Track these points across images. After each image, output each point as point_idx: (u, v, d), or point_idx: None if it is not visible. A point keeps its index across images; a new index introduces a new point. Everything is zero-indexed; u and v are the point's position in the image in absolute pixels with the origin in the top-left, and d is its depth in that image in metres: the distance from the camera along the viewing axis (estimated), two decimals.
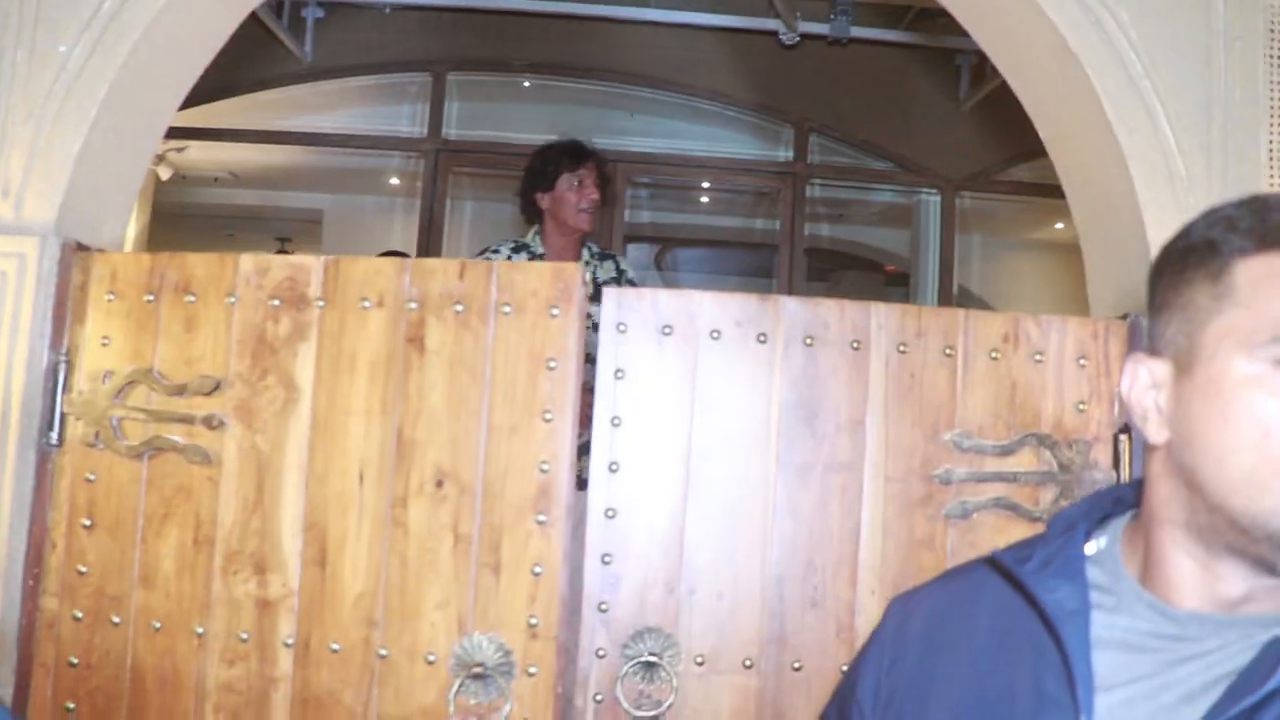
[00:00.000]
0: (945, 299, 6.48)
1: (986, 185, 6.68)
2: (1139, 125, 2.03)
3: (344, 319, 1.97)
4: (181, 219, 8.49)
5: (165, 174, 6.80)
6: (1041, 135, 2.33)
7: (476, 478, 1.92)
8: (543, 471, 1.91)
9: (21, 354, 2.00)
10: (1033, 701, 1.04)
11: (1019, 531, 1.90)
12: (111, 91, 2.10)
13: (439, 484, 1.92)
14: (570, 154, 3.71)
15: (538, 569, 1.89)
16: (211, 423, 1.98)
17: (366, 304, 1.97)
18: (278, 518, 1.95)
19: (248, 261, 2.01)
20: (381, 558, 1.92)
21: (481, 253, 3.65)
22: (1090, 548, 1.13)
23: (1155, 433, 1.04)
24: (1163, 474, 1.05)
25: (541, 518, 1.90)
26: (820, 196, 6.95)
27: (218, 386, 1.99)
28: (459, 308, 1.95)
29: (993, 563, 1.17)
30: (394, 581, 1.92)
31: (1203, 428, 0.98)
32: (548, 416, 1.92)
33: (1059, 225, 7.11)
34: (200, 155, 7.01)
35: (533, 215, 3.71)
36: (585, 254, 3.73)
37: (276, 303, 1.99)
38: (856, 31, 6.06)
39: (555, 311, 1.94)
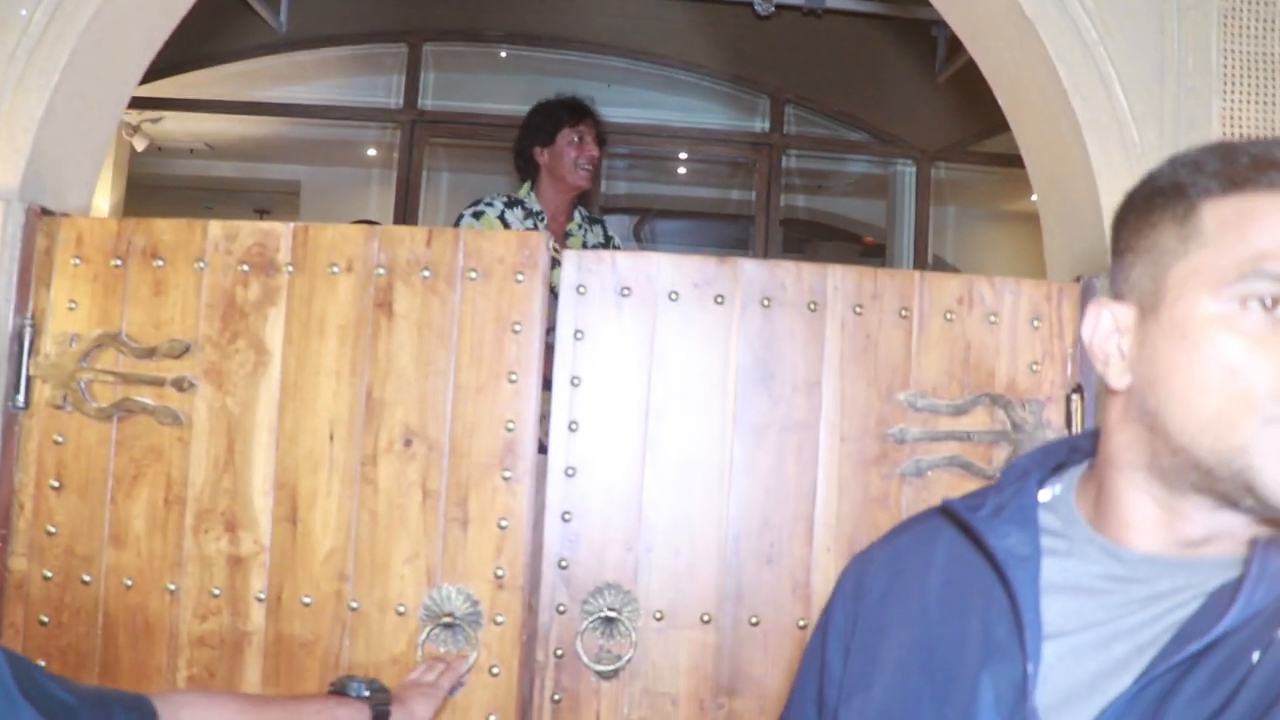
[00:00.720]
0: (920, 269, 6.50)
1: (961, 156, 6.69)
2: (1093, 93, 2.07)
3: (313, 284, 2.00)
4: (158, 191, 8.45)
5: (140, 145, 6.77)
6: (1001, 104, 2.36)
7: (444, 436, 1.96)
8: (508, 430, 1.96)
9: None
10: (981, 649, 1.05)
11: (972, 488, 1.95)
12: (74, 56, 2.11)
13: (407, 443, 1.96)
14: (571, 110, 3.72)
15: (504, 522, 1.94)
16: (181, 385, 2.00)
17: (335, 269, 2.00)
18: (249, 477, 1.99)
19: (217, 227, 2.03)
20: (352, 514, 1.96)
21: (474, 205, 3.57)
22: (1045, 495, 1.15)
23: (1117, 378, 1.05)
24: (1123, 420, 1.05)
25: (507, 473, 1.95)
26: (796, 168, 6.95)
27: (187, 350, 2.01)
28: (426, 273, 1.99)
29: (946, 511, 1.19)
30: (364, 536, 1.96)
31: (1168, 370, 0.99)
32: (513, 378, 1.97)
33: (1034, 197, 7.13)
34: (176, 126, 6.97)
35: (527, 172, 3.67)
36: (576, 216, 3.72)
37: (246, 268, 2.01)
38: (832, 2, 6.04)
39: (520, 277, 1.98)
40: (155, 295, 2.03)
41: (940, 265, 7.01)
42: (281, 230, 2.03)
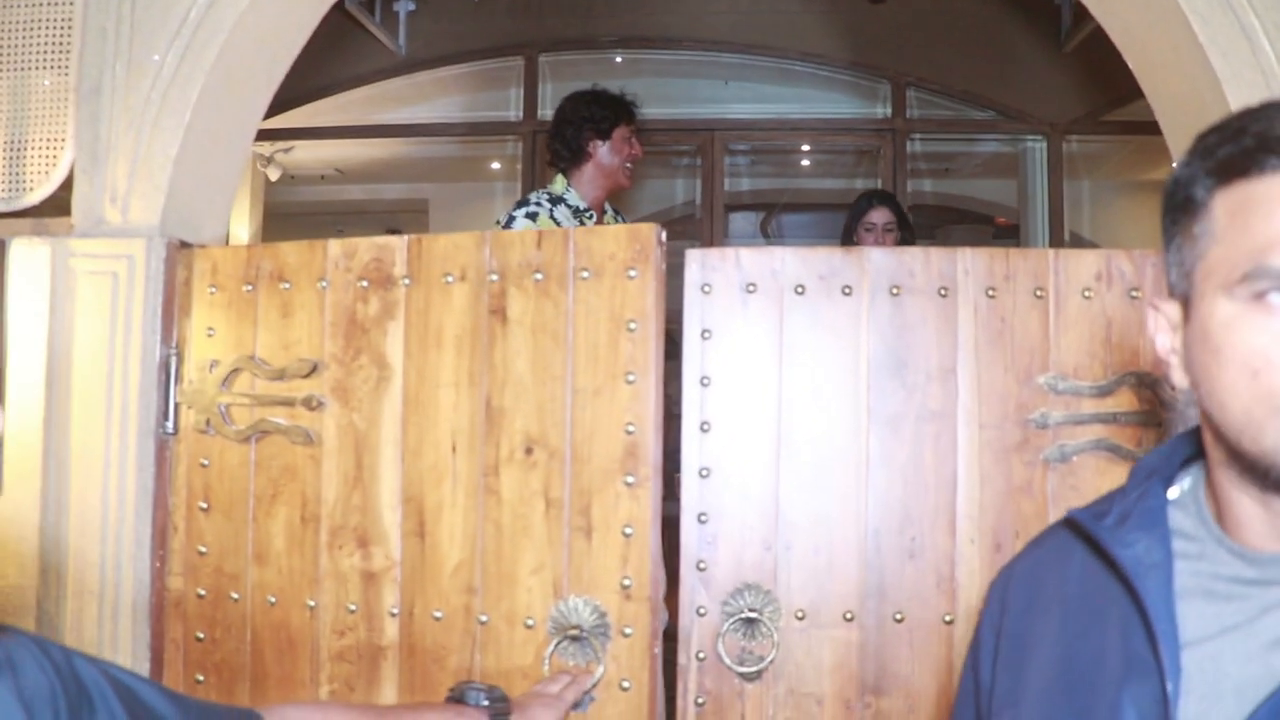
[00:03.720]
0: (1057, 247, 6.29)
1: (1093, 128, 6.46)
2: (1233, 45, 1.95)
3: (429, 295, 2.02)
4: (292, 217, 8.73)
5: (274, 175, 7.00)
6: (1133, 68, 2.25)
7: (564, 442, 1.95)
8: (628, 433, 1.93)
9: (135, 349, 2.11)
10: (1120, 665, 1.00)
11: (1121, 473, 1.85)
12: (203, 94, 2.19)
13: (528, 451, 1.96)
14: (627, 108, 3.64)
15: (628, 530, 1.92)
16: (311, 404, 2.05)
17: (449, 279, 2.01)
18: (377, 492, 2.02)
19: (336, 246, 2.08)
20: (477, 526, 1.97)
21: (521, 205, 3.50)
22: (1174, 492, 1.08)
23: (1178, 377, 1.00)
24: (1200, 418, 1.01)
25: (630, 479, 1.92)
26: (921, 151, 6.81)
27: (315, 369, 2.06)
28: (538, 276, 1.98)
29: (1069, 523, 1.13)
30: (490, 549, 1.96)
31: (1203, 372, 0.94)
32: (630, 378, 1.93)
33: (1174, 164, 6.85)
34: (306, 154, 7.20)
35: (570, 161, 3.57)
36: (608, 210, 3.68)
37: (365, 284, 2.05)
38: None
39: (633, 273, 1.95)
40: (283, 317, 2.09)
41: (1078, 242, 6.76)
42: (396, 244, 2.05)
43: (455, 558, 1.98)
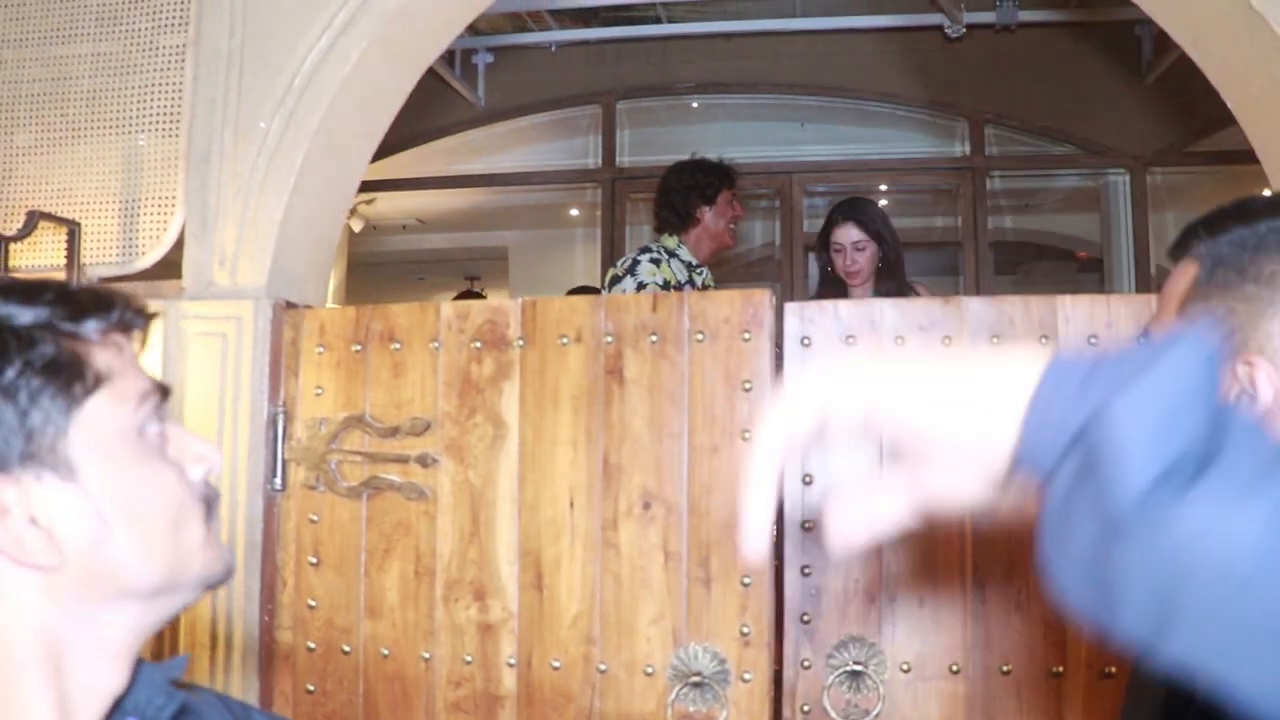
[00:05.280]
0: (1143, 282, 6.18)
1: (1178, 159, 6.34)
2: None
3: (544, 356, 2.07)
4: (375, 266, 8.86)
5: (358, 226, 7.13)
6: (1229, 103, 2.23)
7: (682, 497, 1.98)
8: None
9: (245, 407, 2.17)
10: None
11: None
12: (306, 159, 2.26)
13: (646, 505, 1.99)
14: (729, 174, 3.85)
15: (747, 580, 1.94)
16: (425, 461, 2.09)
17: (564, 340, 2.06)
18: (493, 546, 2.06)
19: (448, 309, 2.14)
20: (595, 578, 2.00)
21: (644, 252, 3.68)
22: None
23: None
24: None
25: None
26: (1001, 189, 6.76)
27: (428, 427, 2.10)
28: (653, 338, 2.03)
29: None
30: (609, 599, 1.99)
31: None
32: (747, 435, 1.97)
33: (1266, 193, 6.73)
34: (388, 205, 7.32)
35: (679, 225, 3.77)
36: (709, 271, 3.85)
37: (478, 345, 2.10)
38: (1024, 15, 5.86)
39: (747, 336, 1.99)
40: (395, 377, 2.14)
41: (1164, 276, 6.64)
42: (510, 307, 2.10)
43: (574, 609, 2.01)
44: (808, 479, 1.98)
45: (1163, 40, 5.66)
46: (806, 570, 1.96)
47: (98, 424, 0.89)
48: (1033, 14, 5.86)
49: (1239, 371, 1.03)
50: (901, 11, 5.97)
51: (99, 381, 0.90)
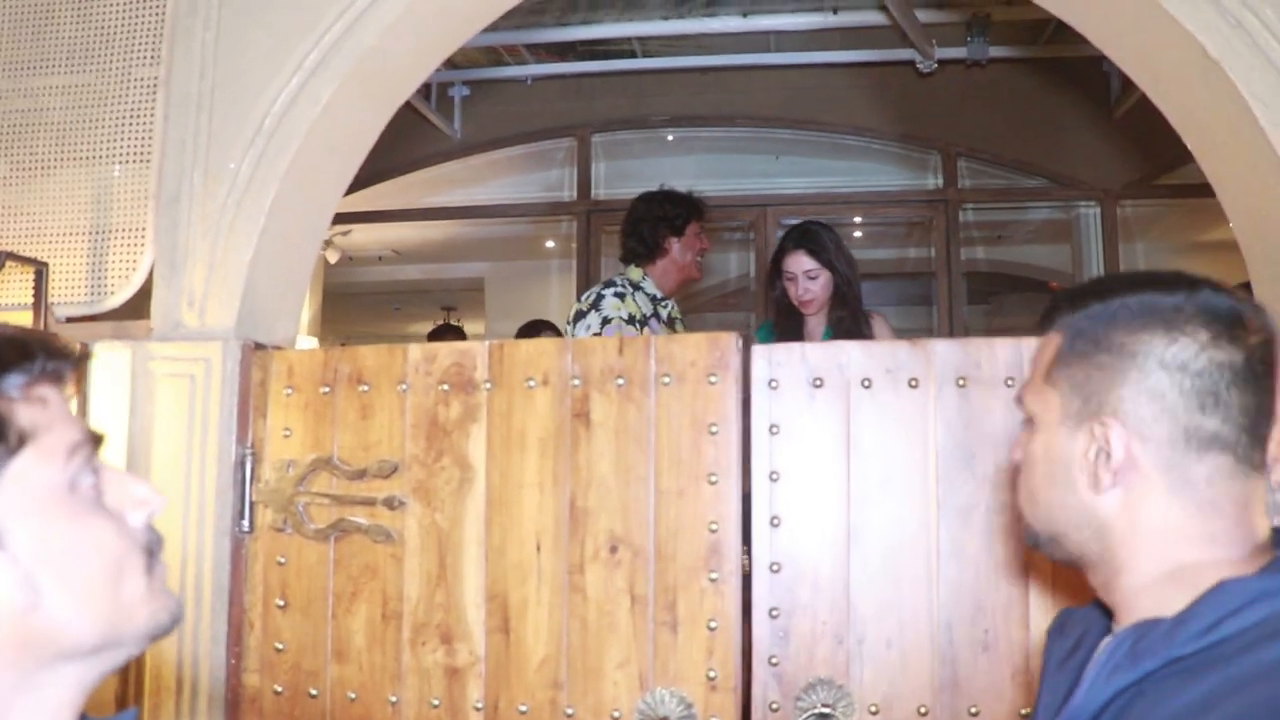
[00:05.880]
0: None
1: (1147, 192, 6.43)
2: None
3: (511, 399, 2.07)
4: (351, 297, 8.85)
5: (333, 257, 7.12)
6: (1190, 147, 2.27)
7: (648, 541, 1.98)
8: (712, 531, 1.96)
9: (213, 449, 2.16)
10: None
11: None
12: (276, 200, 2.26)
13: (613, 549, 1.99)
14: (697, 206, 3.81)
15: (713, 624, 1.94)
16: (392, 504, 2.09)
17: (531, 383, 2.06)
18: (460, 590, 2.05)
19: (416, 350, 2.13)
20: (562, 622, 1.99)
21: (608, 286, 3.68)
22: None
23: None
24: None
25: (714, 575, 1.95)
26: (974, 220, 6.82)
27: (395, 469, 2.10)
28: (620, 381, 2.03)
29: None
30: (575, 644, 1.99)
31: None
32: (713, 479, 1.98)
33: (1232, 225, 6.80)
34: (364, 237, 7.32)
35: (645, 256, 3.74)
36: (674, 303, 3.82)
37: (445, 387, 2.10)
38: (995, 52, 5.94)
39: (713, 379, 2.00)
40: (362, 419, 2.13)
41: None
42: (478, 349, 2.10)
43: (541, 653, 2.00)
44: (775, 521, 1.98)
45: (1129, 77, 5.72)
46: (775, 612, 1.96)
47: (24, 484, 0.86)
48: (1003, 50, 5.94)
49: (1095, 431, 1.15)
50: (875, 47, 6.04)
51: (23, 440, 0.86)
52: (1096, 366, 1.17)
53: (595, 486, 2.01)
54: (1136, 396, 1.14)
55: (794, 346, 2.04)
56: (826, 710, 1.91)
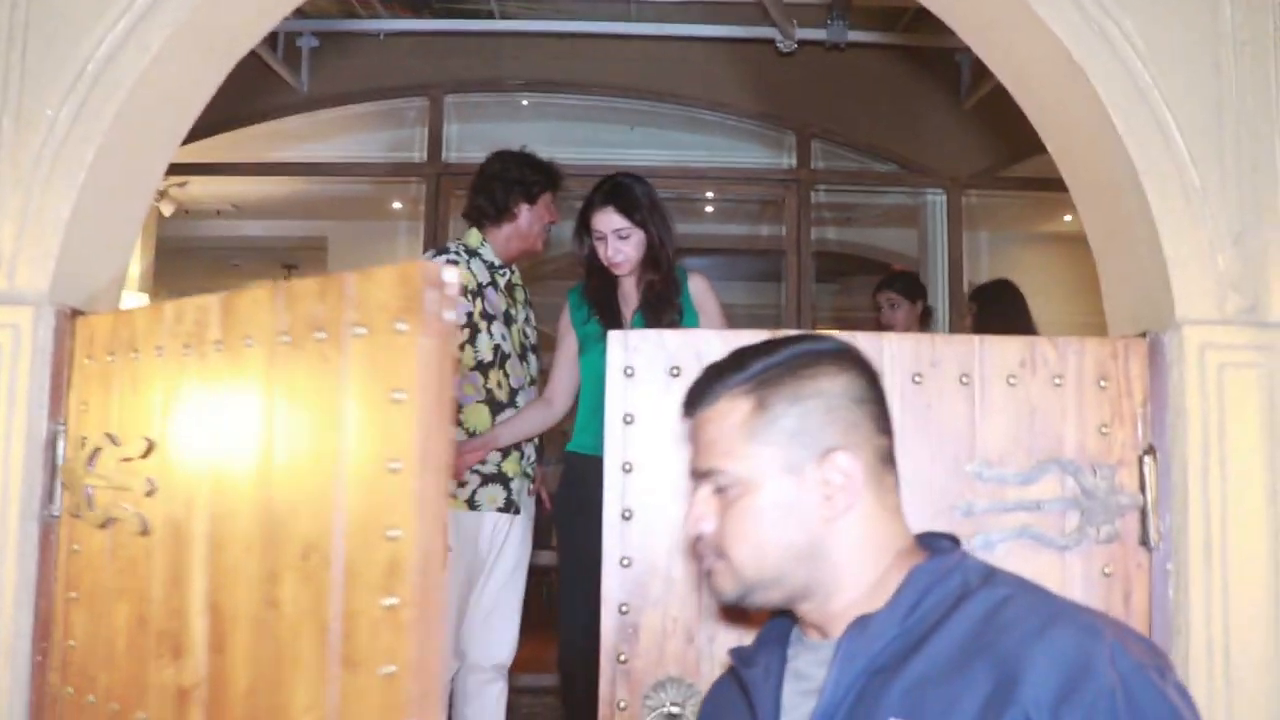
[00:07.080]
0: (956, 297, 6.44)
1: (992, 182, 6.65)
2: (1150, 137, 1.95)
3: (237, 362, 1.71)
4: (186, 253, 8.50)
5: (168, 210, 6.80)
6: (1049, 147, 2.25)
7: (336, 548, 1.49)
8: (389, 540, 1.38)
9: (20, 426, 1.95)
10: None
11: (1044, 562, 1.84)
12: (100, 153, 2.04)
13: (304, 557, 1.52)
14: (555, 177, 3.66)
15: (388, 669, 1.36)
16: (149, 489, 1.81)
17: (249, 342, 1.68)
18: (189, 594, 1.68)
19: (170, 308, 1.83)
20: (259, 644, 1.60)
21: (440, 253, 3.58)
22: None
23: None
24: None
25: (392, 600, 1.37)
26: (826, 201, 6.92)
27: (150, 449, 1.81)
28: (320, 335, 1.54)
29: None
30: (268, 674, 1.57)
31: None
32: (394, 466, 1.39)
33: (1067, 218, 7.07)
34: (202, 189, 7.04)
35: (491, 219, 3.58)
36: (514, 270, 3.69)
37: (188, 348, 1.79)
38: (854, 36, 6.04)
39: (401, 326, 1.40)
40: (134, 391, 1.87)
41: (976, 293, 6.93)
42: (212, 303, 1.74)
43: (245, 680, 1.60)
44: (627, 514, 1.90)
45: (980, 69, 5.85)
46: (624, 609, 1.87)
47: None
48: (862, 34, 6.02)
49: (824, 465, 1.32)
50: (735, 23, 6.02)
51: None
52: (800, 413, 1.33)
53: (288, 472, 1.57)
54: (845, 428, 1.34)
55: (651, 333, 1.95)
56: (676, 709, 1.84)
